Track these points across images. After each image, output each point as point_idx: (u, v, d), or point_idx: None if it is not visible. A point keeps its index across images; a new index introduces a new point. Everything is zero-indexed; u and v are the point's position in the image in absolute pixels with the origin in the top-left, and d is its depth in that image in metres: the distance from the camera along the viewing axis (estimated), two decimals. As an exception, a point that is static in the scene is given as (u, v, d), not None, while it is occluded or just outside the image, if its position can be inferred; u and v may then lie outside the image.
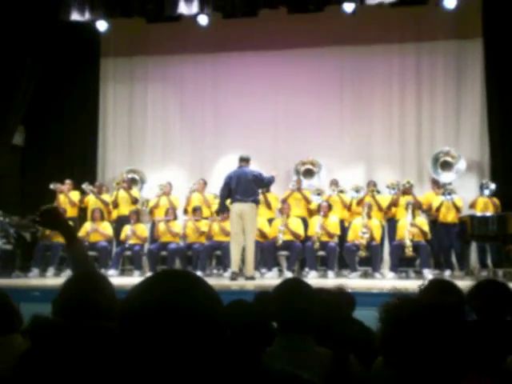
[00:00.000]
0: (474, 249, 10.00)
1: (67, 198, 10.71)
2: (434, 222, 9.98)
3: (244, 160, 8.84)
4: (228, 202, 8.90)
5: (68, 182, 10.84)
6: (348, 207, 10.35)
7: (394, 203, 10.12)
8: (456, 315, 1.44)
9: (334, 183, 10.48)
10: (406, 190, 10.12)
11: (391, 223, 10.18)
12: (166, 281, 1.20)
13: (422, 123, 11.39)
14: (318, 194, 10.61)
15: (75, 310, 1.90)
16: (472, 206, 9.96)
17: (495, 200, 9.90)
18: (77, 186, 10.93)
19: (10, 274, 9.50)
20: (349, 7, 10.16)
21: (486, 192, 9.97)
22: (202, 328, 1.14)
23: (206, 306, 1.17)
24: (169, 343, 1.11)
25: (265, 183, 9.01)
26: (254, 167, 8.99)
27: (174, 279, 1.20)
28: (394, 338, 1.37)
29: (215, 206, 10.25)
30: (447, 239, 9.76)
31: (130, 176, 11.51)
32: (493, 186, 10.02)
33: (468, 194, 10.33)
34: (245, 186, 8.57)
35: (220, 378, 1.16)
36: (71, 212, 10.68)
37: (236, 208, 8.60)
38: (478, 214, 9.25)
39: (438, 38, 11.32)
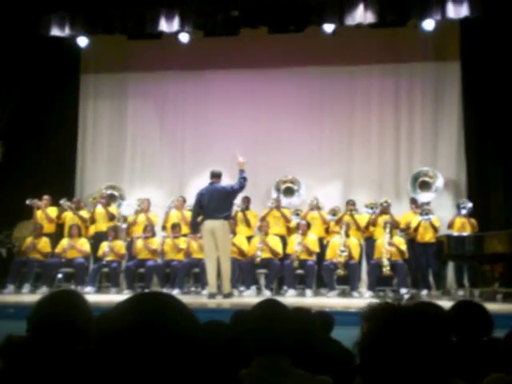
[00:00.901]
0: (450, 268, 10.07)
1: (44, 213, 10.61)
2: (411, 242, 10.04)
3: (215, 176, 8.75)
4: (199, 218, 8.86)
5: (46, 197, 10.75)
6: (327, 226, 10.38)
7: (372, 222, 10.19)
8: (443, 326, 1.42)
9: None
10: (384, 210, 10.19)
11: (369, 242, 10.22)
12: (143, 302, 1.20)
13: (401, 143, 11.50)
14: (297, 215, 10.60)
15: (50, 328, 1.87)
16: (450, 226, 10.04)
17: (472, 220, 9.98)
18: (55, 202, 10.84)
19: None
20: (329, 28, 10.28)
21: (463, 211, 10.05)
22: (179, 348, 1.13)
23: (183, 326, 1.17)
24: (146, 364, 1.11)
25: (238, 189, 8.71)
26: (223, 183, 8.85)
27: (151, 301, 1.20)
28: (376, 343, 1.37)
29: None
30: (425, 259, 9.83)
31: (109, 192, 11.44)
32: (470, 205, 10.11)
33: (445, 213, 10.44)
34: (217, 203, 8.49)
35: None
36: (48, 228, 10.59)
37: (207, 225, 8.54)
38: (455, 233, 9.32)
39: (416, 60, 11.47)
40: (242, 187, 8.70)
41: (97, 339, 1.16)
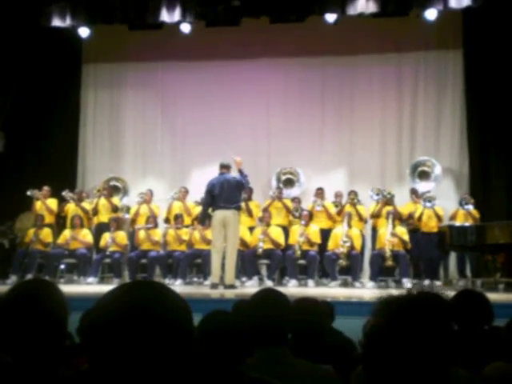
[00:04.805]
0: (453, 258, 10.08)
1: (44, 204, 10.62)
2: (413, 232, 10.03)
3: (225, 167, 8.77)
4: (209, 210, 8.87)
5: (46, 188, 10.75)
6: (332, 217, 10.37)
7: (376, 214, 10.19)
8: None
9: (319, 193, 10.47)
10: (387, 201, 10.19)
11: (373, 232, 10.24)
12: (133, 290, 1.19)
13: (403, 133, 11.48)
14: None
15: (25, 317, 1.80)
16: (452, 218, 10.00)
17: (474, 212, 9.93)
18: (56, 193, 10.84)
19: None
20: (331, 17, 10.24)
21: (466, 207, 9.97)
22: (170, 336, 1.13)
23: (174, 314, 1.16)
24: (136, 351, 1.10)
25: (247, 186, 8.92)
26: (234, 174, 8.93)
27: (141, 288, 1.19)
28: (379, 333, 1.37)
29: (196, 214, 10.20)
30: (428, 248, 9.77)
31: (112, 184, 11.44)
32: (471, 207, 9.98)
33: (447, 203, 10.42)
34: (228, 193, 8.50)
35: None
36: (49, 219, 10.61)
37: (219, 215, 8.55)
38: (457, 223, 9.30)
39: (419, 49, 11.44)
40: (246, 180, 8.78)
41: (85, 331, 1.15)
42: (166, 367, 1.12)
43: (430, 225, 9.84)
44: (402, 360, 1.32)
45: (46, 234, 10.32)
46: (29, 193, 10.58)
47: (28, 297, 1.83)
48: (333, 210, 10.41)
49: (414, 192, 10.60)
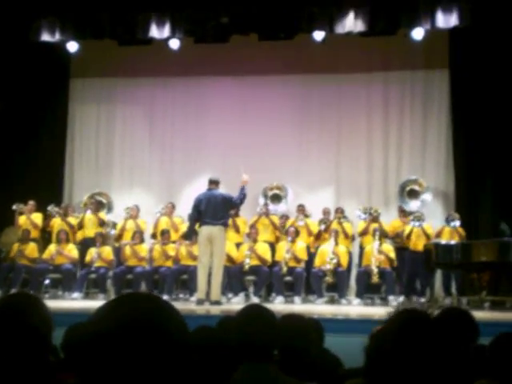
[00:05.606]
0: (438, 276, 10.10)
1: (29, 219, 10.55)
2: (400, 249, 10.05)
3: (213, 182, 8.77)
4: (196, 225, 8.85)
5: (31, 203, 10.67)
6: (316, 235, 10.36)
7: (363, 232, 10.21)
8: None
9: (301, 210, 10.49)
10: (374, 218, 10.22)
11: (360, 250, 10.27)
12: (132, 302, 1.19)
13: (389, 151, 11.54)
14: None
15: (9, 330, 1.78)
16: (438, 235, 10.01)
17: (460, 230, 9.92)
18: (43, 207, 10.77)
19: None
20: (319, 35, 10.31)
21: (452, 224, 9.98)
22: (168, 349, 1.12)
23: (172, 326, 1.16)
24: (135, 364, 1.10)
25: (238, 203, 8.80)
26: (221, 190, 8.94)
27: (139, 301, 1.19)
28: (387, 346, 1.38)
29: (183, 230, 10.18)
30: (416, 267, 9.73)
31: (97, 198, 11.39)
32: (458, 223, 9.98)
33: (433, 222, 10.44)
34: (214, 209, 8.50)
35: None
36: (34, 233, 10.52)
37: (205, 231, 8.54)
38: (443, 241, 9.33)
39: (405, 68, 11.54)
40: (241, 202, 8.76)
41: (87, 337, 1.14)
42: (165, 379, 1.11)
43: (419, 244, 9.79)
44: (405, 368, 1.33)
45: (32, 249, 10.24)
46: (14, 207, 10.51)
47: (12, 310, 1.81)
48: (314, 228, 10.41)
49: (401, 210, 10.64)
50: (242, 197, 8.68)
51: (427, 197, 10.77)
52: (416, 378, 1.35)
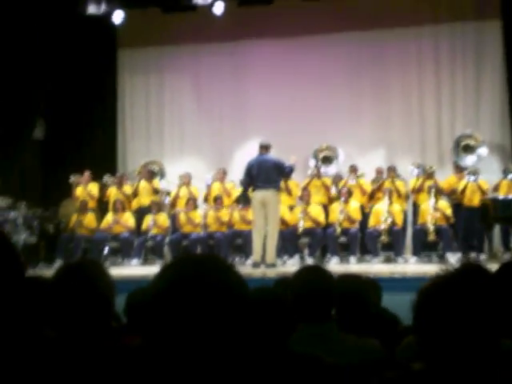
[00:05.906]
0: (497, 231, 9.90)
1: (85, 190, 10.78)
2: (457, 206, 9.86)
3: (264, 147, 8.79)
4: (249, 190, 8.90)
5: (87, 173, 10.89)
6: (369, 194, 10.27)
7: (417, 189, 10.04)
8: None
9: (353, 170, 10.38)
10: (429, 175, 10.04)
11: (414, 208, 10.13)
12: (194, 261, 1.23)
13: (442, 106, 11.29)
14: (336, 184, 10.45)
15: (74, 293, 1.85)
16: (495, 189, 9.81)
17: (519, 182, 9.72)
18: (98, 178, 10.99)
19: (34, 265, 9.59)
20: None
21: (510, 176, 9.77)
22: (230, 303, 1.16)
23: (233, 282, 1.20)
24: (198, 319, 1.13)
25: (286, 173, 8.87)
26: (272, 155, 8.94)
27: (200, 259, 1.24)
28: (431, 303, 1.38)
29: (235, 195, 10.25)
30: (472, 223, 9.56)
31: (149, 167, 11.54)
32: None
33: (490, 176, 10.19)
34: (266, 173, 8.53)
35: (247, 357, 1.18)
36: (91, 204, 10.75)
37: (258, 195, 8.59)
38: (501, 196, 9.13)
39: (456, 20, 11.19)
40: (290, 170, 8.82)
41: (153, 292, 1.18)
42: (227, 332, 1.15)
43: (474, 199, 9.60)
44: (453, 323, 1.32)
45: (90, 219, 10.48)
46: (71, 179, 10.75)
47: (78, 274, 1.88)
48: (368, 187, 10.31)
49: (456, 166, 10.42)
50: (290, 168, 8.77)
51: (483, 151, 10.52)
52: (468, 334, 1.33)
